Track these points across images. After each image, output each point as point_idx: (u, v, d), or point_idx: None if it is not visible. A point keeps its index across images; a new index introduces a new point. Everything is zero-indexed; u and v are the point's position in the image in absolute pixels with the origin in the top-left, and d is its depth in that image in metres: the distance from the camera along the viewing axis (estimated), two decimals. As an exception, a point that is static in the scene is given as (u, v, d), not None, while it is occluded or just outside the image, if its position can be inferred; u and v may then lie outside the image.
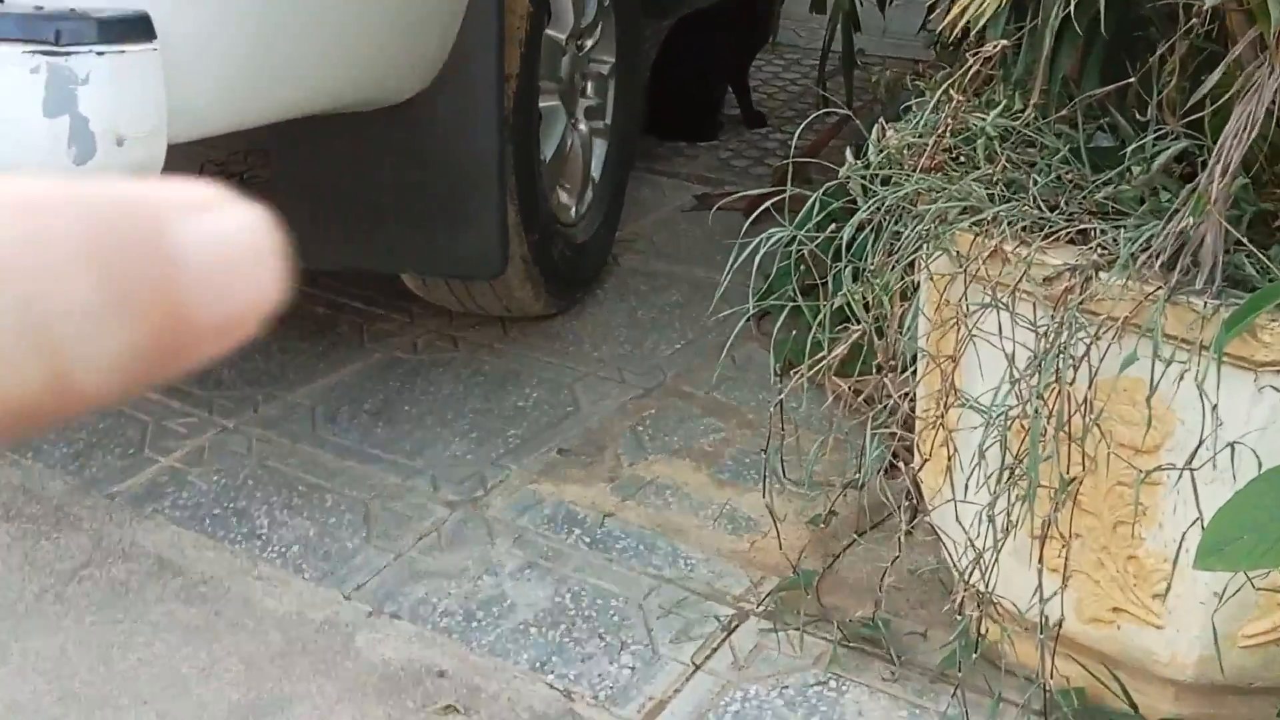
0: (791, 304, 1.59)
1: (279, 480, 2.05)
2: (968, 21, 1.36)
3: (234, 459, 2.10)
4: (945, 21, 1.40)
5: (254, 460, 2.10)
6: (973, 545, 1.48)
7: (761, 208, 1.63)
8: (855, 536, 1.90)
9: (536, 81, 2.27)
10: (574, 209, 2.57)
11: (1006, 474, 1.41)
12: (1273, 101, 1.30)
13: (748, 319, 1.78)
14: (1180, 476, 1.35)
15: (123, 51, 1.36)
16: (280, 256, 0.26)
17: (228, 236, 0.25)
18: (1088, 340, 1.35)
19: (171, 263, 0.25)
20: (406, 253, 2.17)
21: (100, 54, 1.34)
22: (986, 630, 1.60)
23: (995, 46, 1.46)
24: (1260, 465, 1.30)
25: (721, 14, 3.31)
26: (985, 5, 1.38)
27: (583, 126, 2.60)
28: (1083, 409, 1.36)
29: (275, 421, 2.21)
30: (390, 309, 2.57)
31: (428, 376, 2.34)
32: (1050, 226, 1.40)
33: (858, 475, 1.72)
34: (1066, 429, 1.38)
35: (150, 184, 0.25)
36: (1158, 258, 1.34)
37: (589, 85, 2.64)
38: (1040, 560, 1.42)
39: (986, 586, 1.47)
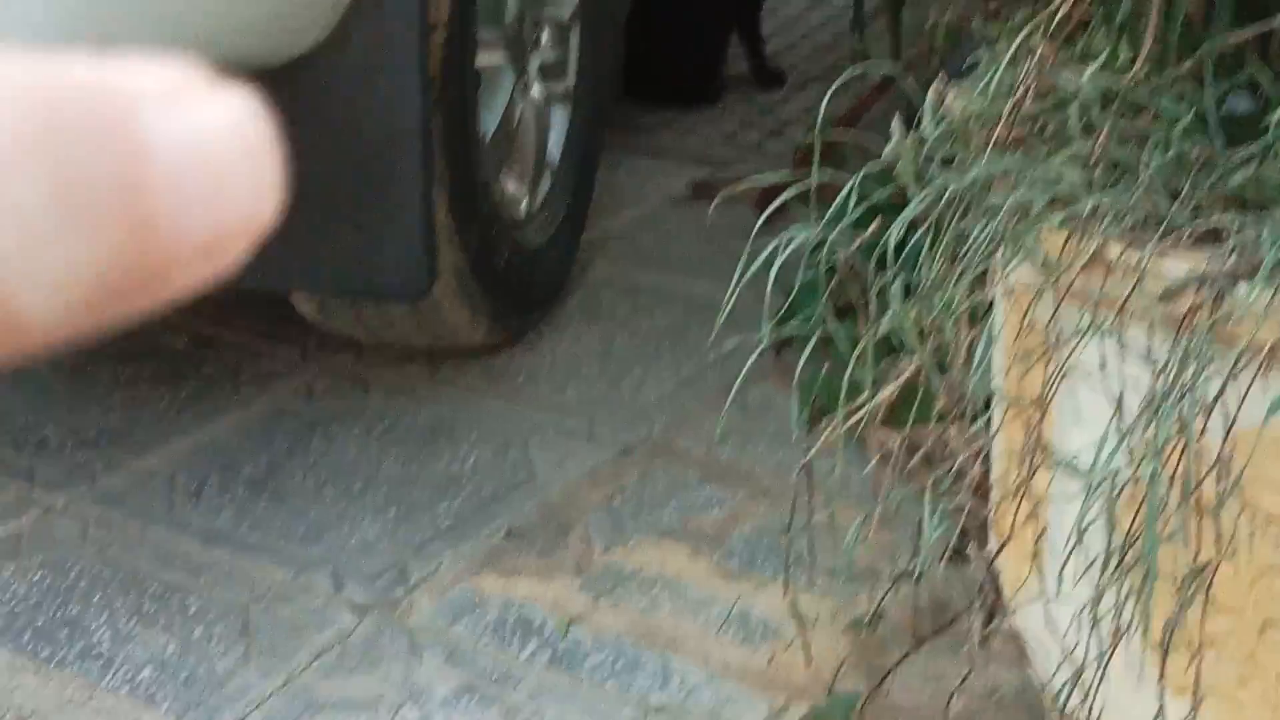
0: (821, 331, 1.59)
1: (125, 578, 2.03)
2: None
3: (63, 549, 2.08)
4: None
5: (91, 550, 2.09)
6: (1070, 657, 1.47)
7: (780, 199, 1.63)
8: (911, 646, 1.90)
9: (474, 30, 2.27)
10: (525, 202, 2.57)
11: (1115, 560, 1.40)
12: None
13: (763, 350, 1.77)
14: (1352, 561, 1.35)
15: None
16: (275, 156, 0.27)
17: (210, 130, 0.27)
18: (1222, 377, 1.34)
19: (139, 161, 0.26)
20: (299, 265, 2.16)
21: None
22: (1092, 773, 1.60)
23: (1092, -21, 1.46)
24: None
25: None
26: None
27: (536, 91, 2.60)
28: (1217, 471, 1.36)
29: (120, 496, 2.19)
30: (277, 342, 2.57)
31: (328, 433, 2.34)
32: (1170, 222, 1.40)
33: (913, 563, 1.71)
34: (1195, 498, 1.37)
35: (113, 64, 0.26)
36: (1316, 264, 1.34)
37: (545, 34, 2.64)
38: (1162, 677, 1.42)
39: (1090, 713, 1.47)
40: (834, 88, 1.77)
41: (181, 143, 0.26)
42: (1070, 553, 1.45)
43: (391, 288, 2.20)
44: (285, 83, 2.03)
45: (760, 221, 1.64)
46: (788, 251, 1.54)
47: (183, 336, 2.59)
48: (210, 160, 0.26)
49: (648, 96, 3.40)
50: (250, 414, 2.39)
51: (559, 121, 2.68)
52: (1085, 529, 1.44)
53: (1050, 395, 1.48)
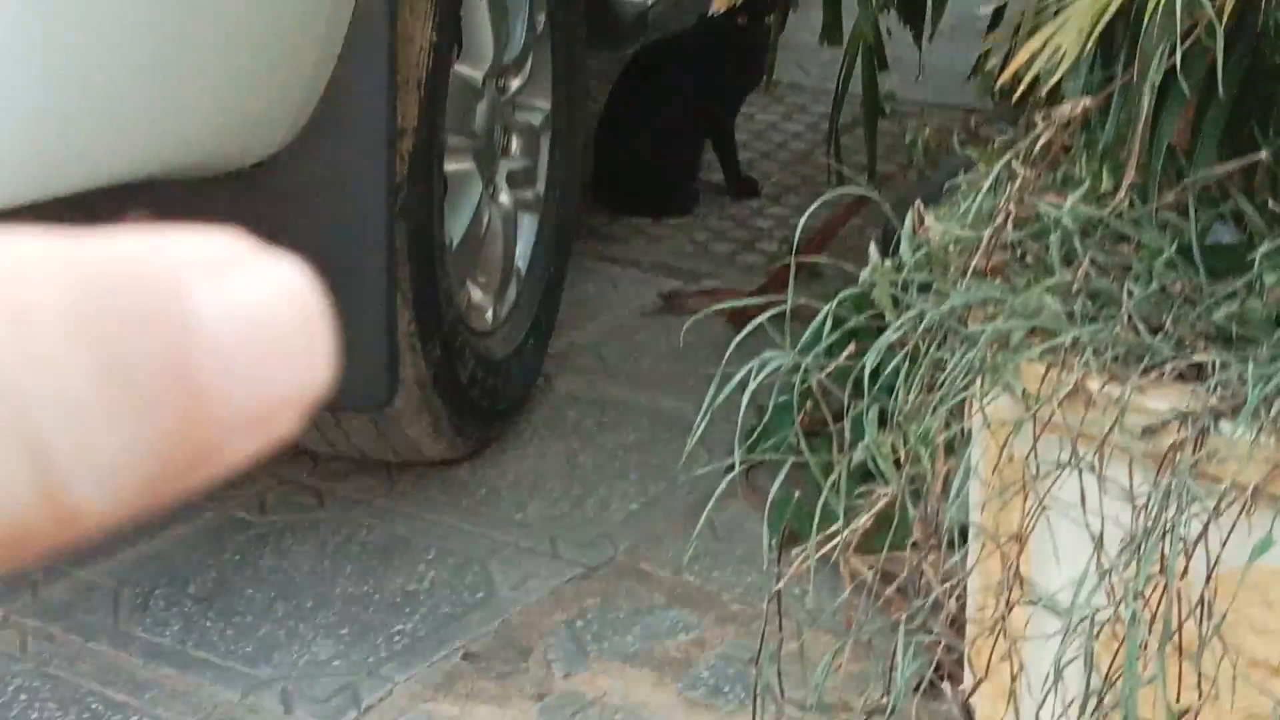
0: (794, 455, 1.59)
1: (65, 695, 2.01)
2: (1037, 75, 1.39)
3: (1, 663, 2.06)
4: (1005, 75, 1.42)
5: (30, 665, 2.07)
6: (1047, 802, 1.47)
7: (755, 321, 1.64)
8: (882, 783, 1.89)
9: (441, 137, 2.29)
10: (491, 311, 2.58)
11: (1094, 702, 1.41)
12: None
13: (734, 473, 1.78)
14: (1336, 709, 1.35)
15: None
16: (326, 322, 0.28)
17: (258, 300, 0.27)
18: (1205, 517, 1.35)
19: (187, 338, 0.26)
20: (254, 374, 2.16)
21: None
22: None
23: (1075, 107, 1.48)
24: None
25: (698, 43, 3.35)
26: (1061, 51, 1.41)
27: (505, 198, 2.61)
28: (1199, 612, 1.36)
29: (62, 609, 2.17)
30: (230, 449, 2.56)
31: (280, 547, 2.32)
32: (1152, 357, 1.41)
33: (886, 698, 1.71)
34: (1176, 640, 1.38)
35: (157, 236, 0.27)
36: (1300, 403, 1.35)
37: (514, 141, 2.65)
38: (1142, 825, 1.42)
39: None
40: (813, 208, 1.79)
41: (230, 316, 0.27)
42: (1048, 693, 1.45)
43: (351, 399, 2.20)
44: (248, 186, 2.04)
45: (737, 340, 1.65)
46: (761, 376, 1.55)
47: (132, 442, 2.58)
48: (260, 332, 0.27)
49: (619, 205, 3.42)
50: (200, 525, 2.38)
51: (527, 229, 2.69)
52: (1063, 668, 1.44)
53: (1029, 530, 1.49)
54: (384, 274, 2.11)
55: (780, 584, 1.70)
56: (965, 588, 1.62)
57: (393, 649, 2.11)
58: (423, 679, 2.06)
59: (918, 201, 1.60)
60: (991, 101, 2.34)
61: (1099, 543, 1.41)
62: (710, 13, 1.89)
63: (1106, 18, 1.39)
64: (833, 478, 1.56)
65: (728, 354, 1.64)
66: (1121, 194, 1.53)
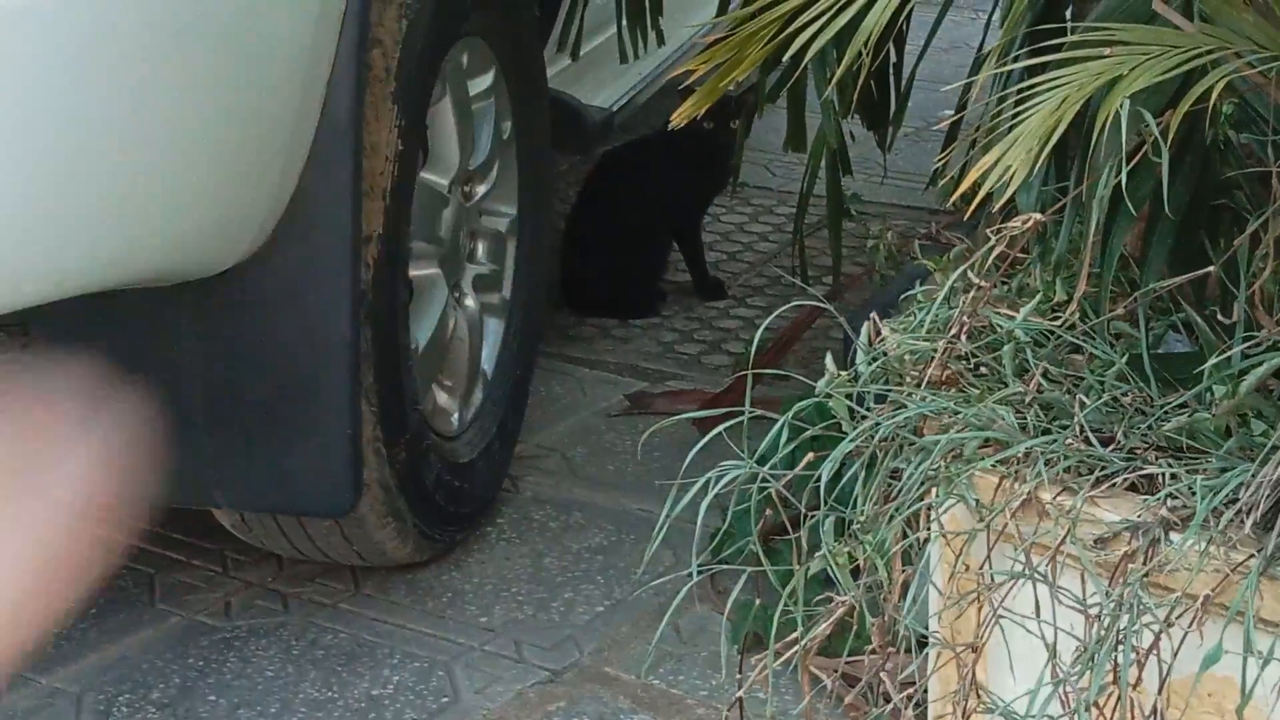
0: (753, 569, 1.61)
1: (25, 804, 2.01)
2: (990, 191, 1.41)
3: (-38, 772, 2.06)
4: (958, 191, 1.45)
5: (-9, 774, 2.06)
6: None
7: (716, 430, 1.65)
8: None
9: (407, 243, 2.30)
10: (457, 415, 2.59)
11: (1050, 811, 1.41)
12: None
13: (695, 580, 1.79)
14: (1288, 818, 1.36)
15: None
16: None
17: None
18: (1156, 627, 1.37)
19: None
20: (218, 479, 2.16)
21: None
22: None
23: (1027, 221, 1.51)
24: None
25: (664, 146, 3.39)
26: (1013, 168, 1.43)
27: (471, 302, 2.63)
28: (1152, 722, 1.38)
29: (23, 717, 2.17)
30: (194, 554, 2.56)
31: (244, 652, 2.32)
32: (1104, 468, 1.43)
33: (846, 805, 1.71)
34: (1131, 749, 1.39)
35: None
36: (1249, 514, 1.37)
37: (480, 247, 2.67)
38: None
39: None
40: (772, 317, 1.81)
41: None
42: (1004, 803, 1.46)
43: (315, 503, 2.21)
44: (214, 293, 2.06)
45: (702, 443, 1.66)
46: (720, 487, 1.57)
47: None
48: None
49: (586, 308, 3.44)
50: (164, 629, 2.37)
51: (493, 333, 2.70)
52: (1020, 777, 1.45)
53: (984, 639, 1.50)
54: (348, 380, 2.12)
55: (742, 690, 1.71)
56: (924, 694, 1.63)
57: (356, 755, 2.11)
58: (386, 785, 2.06)
59: (873, 313, 1.62)
60: (953, 206, 2.37)
61: (1053, 652, 1.43)
62: (671, 125, 1.91)
63: (1055, 138, 1.41)
64: (790, 587, 1.58)
65: (687, 461, 1.65)
66: (1073, 305, 1.55)
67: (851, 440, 1.54)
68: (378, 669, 2.29)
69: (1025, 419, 1.51)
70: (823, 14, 1.66)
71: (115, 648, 2.33)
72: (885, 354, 1.58)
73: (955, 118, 2.21)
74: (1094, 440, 1.47)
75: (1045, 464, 1.44)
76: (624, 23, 2.78)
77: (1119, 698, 1.38)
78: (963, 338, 1.54)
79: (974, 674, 1.53)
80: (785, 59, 2.02)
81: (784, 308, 1.89)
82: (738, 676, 1.88)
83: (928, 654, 1.62)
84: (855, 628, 1.63)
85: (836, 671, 1.73)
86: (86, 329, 2.07)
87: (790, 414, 1.57)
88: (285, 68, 1.98)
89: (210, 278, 2.03)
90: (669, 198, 3.45)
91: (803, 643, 1.61)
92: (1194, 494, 1.40)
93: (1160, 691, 1.38)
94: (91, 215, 1.77)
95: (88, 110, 1.73)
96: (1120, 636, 1.38)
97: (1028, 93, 1.48)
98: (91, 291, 1.85)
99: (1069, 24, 1.60)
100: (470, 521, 2.58)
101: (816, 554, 1.57)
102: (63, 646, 2.32)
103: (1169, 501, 1.40)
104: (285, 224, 2.04)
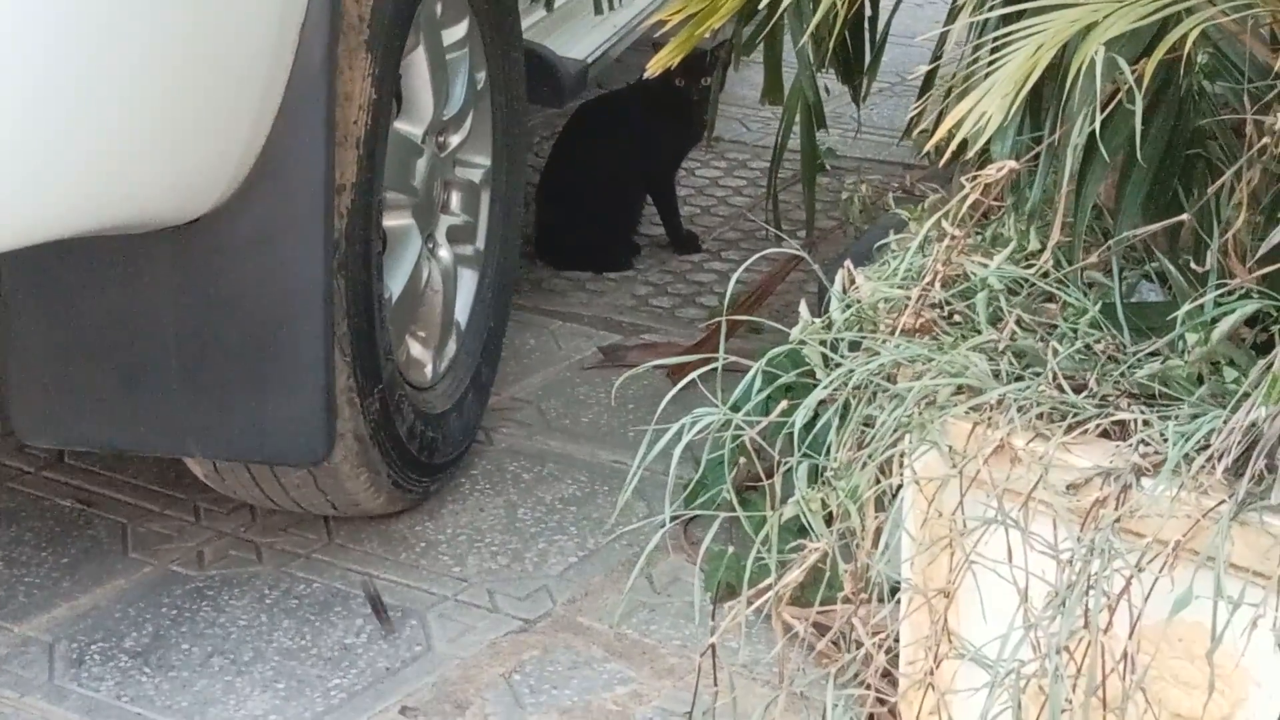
0: (726, 514, 1.61)
1: (-2, 751, 2.01)
2: (964, 140, 1.41)
3: (-66, 720, 2.06)
4: (933, 140, 1.45)
5: (-37, 721, 2.06)
6: None
7: (689, 376, 1.66)
8: (815, 836, 1.89)
9: (380, 193, 2.30)
10: (430, 366, 2.58)
11: (1020, 755, 1.42)
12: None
13: (670, 525, 1.79)
14: (1256, 762, 1.37)
15: None
16: None
17: None
18: (1127, 572, 1.37)
19: None
20: (192, 429, 2.16)
21: None
22: None
23: (1002, 169, 1.51)
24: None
25: (639, 98, 3.38)
26: (988, 115, 1.43)
27: (444, 253, 2.63)
28: (1122, 666, 1.38)
29: (-4, 665, 2.17)
30: (167, 505, 2.56)
31: (217, 601, 2.32)
32: (1076, 414, 1.43)
33: (818, 751, 1.72)
34: (1101, 693, 1.39)
35: None
36: (1220, 459, 1.37)
37: (454, 197, 2.67)
38: None
39: None
40: (745, 267, 1.81)
41: None
42: (975, 747, 1.47)
43: (288, 453, 2.20)
44: (185, 242, 2.05)
45: (674, 391, 1.66)
46: (693, 434, 1.57)
47: (69, 496, 2.57)
48: None
49: (560, 261, 3.44)
50: (137, 579, 2.37)
51: (467, 284, 2.70)
52: (991, 722, 1.45)
53: (956, 585, 1.51)
54: (321, 330, 2.11)
55: (715, 637, 1.71)
56: (896, 640, 1.64)
57: (330, 703, 2.11)
58: (359, 734, 2.06)
59: (848, 261, 1.62)
60: (927, 159, 2.37)
61: (1025, 597, 1.43)
62: (646, 76, 1.90)
63: (1029, 84, 1.41)
64: (763, 534, 1.58)
65: (659, 410, 1.65)
66: (1047, 254, 1.55)
67: (825, 387, 1.54)
68: (350, 618, 2.29)
69: (998, 366, 1.51)
70: (798, -39, 1.66)
71: (88, 597, 2.32)
72: (859, 301, 1.58)
73: (930, 69, 2.20)
74: (1066, 387, 1.47)
75: (1018, 410, 1.44)
76: (599, -26, 2.77)
77: (1090, 642, 1.39)
78: (937, 285, 1.55)
79: (946, 620, 1.54)
80: (761, 8, 2.01)
81: (756, 256, 1.88)
82: (710, 625, 1.89)
83: (900, 600, 1.63)
84: (828, 575, 1.63)
85: (809, 619, 1.74)
86: (58, 277, 2.07)
87: (764, 361, 1.57)
88: (257, 13, 1.97)
89: (182, 226, 2.02)
90: (642, 151, 3.44)
91: (775, 590, 1.62)
92: (1166, 440, 1.40)
93: (1131, 636, 1.38)
94: (61, 161, 1.76)
95: (57, 55, 1.71)
96: (1091, 582, 1.38)
97: (1002, 40, 1.48)
98: (62, 238, 1.84)
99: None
100: (444, 472, 2.58)
101: (790, 501, 1.57)
102: (35, 595, 2.32)
103: (1141, 448, 1.41)
104: (257, 172, 2.03)
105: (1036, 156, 1.59)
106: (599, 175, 3.40)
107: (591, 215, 3.41)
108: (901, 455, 1.53)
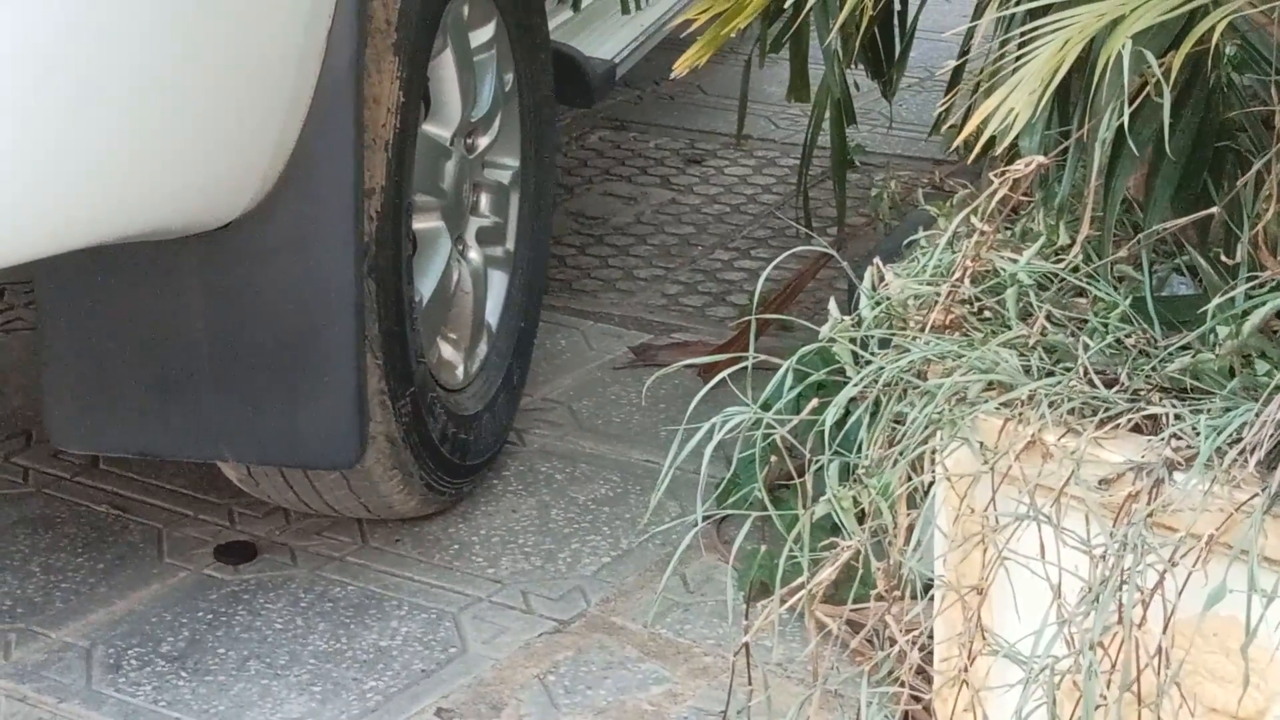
0: (759, 513, 1.61)
1: (37, 756, 2.02)
2: (992, 136, 1.41)
3: (-27, 726, 2.07)
4: (961, 136, 1.45)
5: (2, 727, 2.07)
6: None
7: (720, 375, 1.66)
8: (852, 834, 1.89)
9: (409, 196, 2.30)
10: (462, 368, 2.59)
11: (1055, 751, 1.42)
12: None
13: (702, 524, 1.79)
14: (1293, 755, 1.37)
15: None
16: None
17: None
18: (1161, 566, 1.37)
19: None
20: (225, 433, 2.17)
21: None
22: None
23: (1030, 164, 1.51)
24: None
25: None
26: (1016, 110, 1.43)
27: (474, 255, 2.63)
28: (1156, 661, 1.38)
29: (33, 670, 2.18)
30: (202, 510, 2.56)
31: (253, 605, 2.33)
32: (1107, 409, 1.43)
33: (853, 749, 1.72)
34: (1135, 688, 1.39)
35: None
36: (1253, 453, 1.37)
37: (483, 199, 2.67)
38: None
39: None
40: (774, 264, 1.82)
41: None
42: (1010, 743, 1.47)
43: (321, 456, 2.21)
44: (216, 247, 2.06)
45: (705, 390, 1.66)
46: (723, 433, 1.57)
47: (105, 501, 2.58)
48: None
49: None
50: (173, 583, 2.38)
51: (497, 286, 2.70)
52: (1026, 718, 1.45)
53: (989, 581, 1.51)
54: (353, 333, 2.12)
55: (748, 636, 1.71)
56: (929, 638, 1.64)
57: (366, 706, 2.12)
58: (395, 735, 2.07)
59: (877, 258, 1.62)
60: (958, 154, 2.37)
61: (1057, 593, 1.43)
62: (674, 75, 1.91)
63: (1057, 79, 1.41)
64: (795, 532, 1.58)
65: (690, 409, 1.66)
66: (1076, 248, 1.55)
67: (855, 385, 1.54)
68: (385, 620, 2.30)
69: (1029, 361, 1.51)
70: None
71: (124, 602, 2.33)
72: (889, 298, 1.58)
73: (958, 64, 2.20)
74: (1098, 382, 1.47)
75: (1049, 406, 1.44)
76: (626, -26, 2.78)
77: (1123, 638, 1.39)
78: (966, 281, 1.55)
79: (979, 616, 1.54)
80: (787, 7, 2.02)
81: (786, 254, 1.88)
82: (744, 624, 1.89)
83: (933, 597, 1.63)
84: (861, 573, 1.63)
85: (842, 617, 1.74)
86: (91, 284, 2.08)
87: (794, 359, 1.57)
88: (285, 18, 1.98)
89: (213, 231, 2.03)
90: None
91: (808, 588, 1.62)
92: (1198, 434, 1.40)
93: (1165, 631, 1.38)
94: (93, 168, 1.77)
95: (88, 61, 1.73)
96: (1124, 577, 1.38)
97: (1030, 35, 1.48)
98: (94, 245, 1.85)
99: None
100: (476, 474, 2.59)
101: (821, 499, 1.57)
102: (72, 601, 2.33)
103: (1173, 442, 1.41)
104: (287, 176, 2.04)
105: (1065, 151, 1.58)
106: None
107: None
108: (933, 452, 1.53)
